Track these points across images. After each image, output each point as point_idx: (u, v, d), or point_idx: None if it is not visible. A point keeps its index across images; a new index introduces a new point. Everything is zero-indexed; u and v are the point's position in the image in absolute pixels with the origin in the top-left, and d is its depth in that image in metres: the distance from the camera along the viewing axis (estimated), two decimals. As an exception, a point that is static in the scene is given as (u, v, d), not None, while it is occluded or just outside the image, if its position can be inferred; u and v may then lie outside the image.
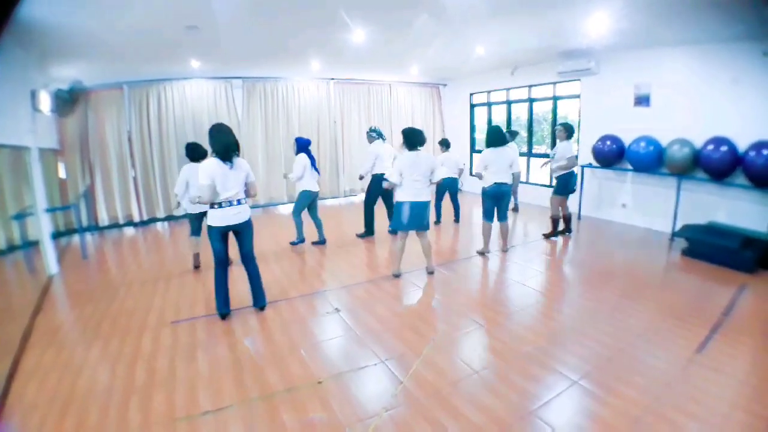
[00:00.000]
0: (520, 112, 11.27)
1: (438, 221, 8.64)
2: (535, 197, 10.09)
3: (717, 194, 6.83)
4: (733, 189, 6.54)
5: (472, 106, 12.46)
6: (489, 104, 11.82)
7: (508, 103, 11.12)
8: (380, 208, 7.63)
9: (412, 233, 5.65)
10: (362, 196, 7.80)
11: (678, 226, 7.07)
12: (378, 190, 7.29)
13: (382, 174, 7.03)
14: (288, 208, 10.25)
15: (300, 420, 2.93)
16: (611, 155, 8.06)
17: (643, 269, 5.96)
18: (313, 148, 8.26)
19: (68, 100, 7.43)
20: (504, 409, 2.99)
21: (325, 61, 9.26)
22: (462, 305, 4.87)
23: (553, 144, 9.64)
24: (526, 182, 10.54)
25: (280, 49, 7.79)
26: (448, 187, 8.47)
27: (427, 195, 5.44)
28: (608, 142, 8.06)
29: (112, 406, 3.14)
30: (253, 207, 6.59)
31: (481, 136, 12.38)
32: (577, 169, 7.29)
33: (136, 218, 9.77)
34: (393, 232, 5.44)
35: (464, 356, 3.77)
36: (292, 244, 7.23)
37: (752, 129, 6.13)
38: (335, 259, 6.64)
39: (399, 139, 5.54)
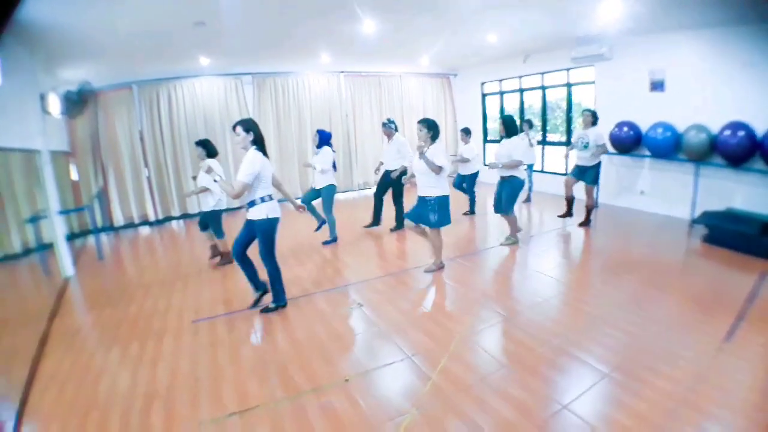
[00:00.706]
0: (532, 101, 11.12)
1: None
2: (550, 185, 9.94)
3: (734, 180, 6.70)
4: (751, 174, 6.42)
5: (484, 96, 12.30)
6: (501, 93, 11.65)
7: (521, 91, 10.94)
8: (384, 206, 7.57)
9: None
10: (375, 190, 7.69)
11: (697, 213, 6.94)
12: (393, 183, 7.24)
13: (394, 169, 7.00)
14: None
15: (329, 420, 2.86)
16: (629, 141, 7.92)
17: (665, 257, 5.84)
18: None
19: (77, 102, 7.39)
20: (536, 403, 2.91)
21: (335, 54, 9.17)
22: (485, 296, 4.80)
23: (568, 131, 9.54)
24: (541, 170, 10.40)
25: (289, 41, 7.72)
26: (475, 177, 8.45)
27: None
28: (625, 129, 7.92)
29: (133, 412, 3.08)
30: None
31: (493, 125, 12.27)
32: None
33: (152, 217, 9.78)
34: (436, 225, 5.27)
35: (491, 349, 3.69)
36: (325, 243, 7.03)
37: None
38: (353, 253, 6.57)
39: (414, 131, 5.41)
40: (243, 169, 4.11)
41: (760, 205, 6.21)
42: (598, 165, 7.03)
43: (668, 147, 7.29)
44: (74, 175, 8.52)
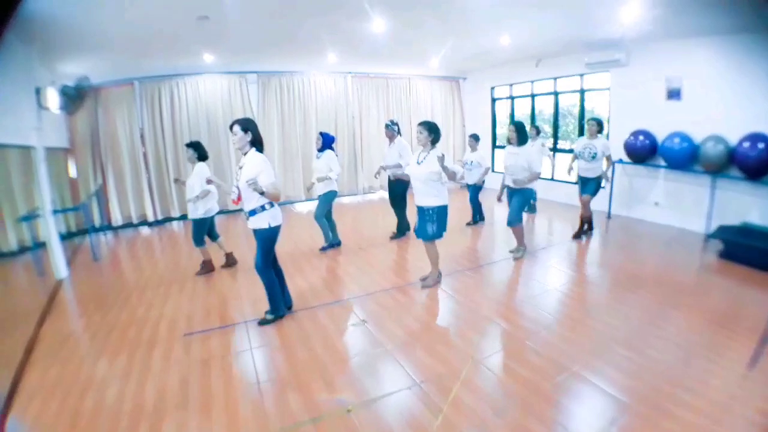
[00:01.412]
0: (542, 106, 10.88)
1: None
2: (558, 194, 9.71)
3: (751, 193, 6.48)
4: (769, 188, 6.23)
5: (494, 100, 12.04)
6: (511, 98, 11.38)
7: (532, 96, 10.66)
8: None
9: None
10: (381, 194, 7.44)
11: (712, 226, 6.76)
12: (404, 189, 7.00)
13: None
14: (304, 207, 10.02)
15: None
16: (644, 151, 7.69)
17: (680, 273, 5.61)
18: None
19: (75, 97, 7.17)
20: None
21: (342, 53, 8.92)
22: (495, 314, 4.51)
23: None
24: (551, 179, 10.14)
25: (296, 39, 7.45)
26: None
27: None
28: (641, 137, 7.69)
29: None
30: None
31: (502, 131, 12.01)
32: (604, 165, 6.89)
33: (151, 218, 9.58)
34: (432, 238, 4.98)
35: (505, 377, 3.41)
36: (323, 250, 6.80)
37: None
38: (355, 262, 6.30)
39: (420, 135, 5.12)
40: (265, 171, 3.89)
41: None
42: (600, 176, 6.82)
43: (685, 158, 7.07)
44: (72, 173, 8.32)
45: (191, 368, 3.64)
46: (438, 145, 4.90)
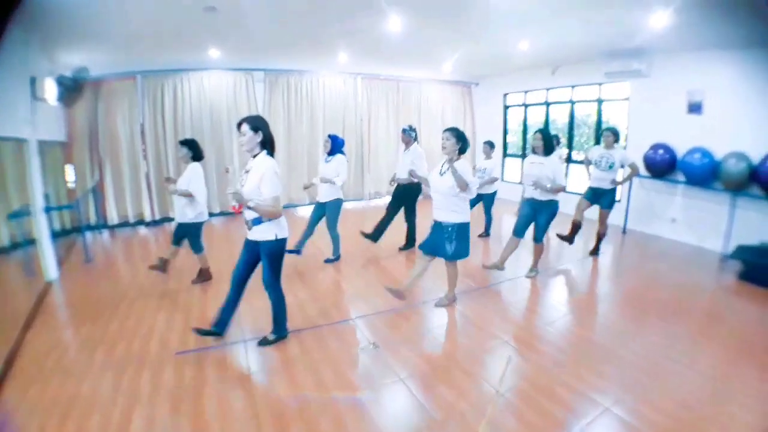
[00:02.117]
0: (556, 115, 10.57)
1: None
2: (571, 207, 9.37)
3: (768, 213, 6.28)
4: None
5: (506, 107, 11.75)
6: (525, 105, 11.10)
7: (547, 104, 10.39)
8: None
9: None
10: (388, 200, 7.10)
11: (730, 246, 6.57)
12: (405, 197, 6.72)
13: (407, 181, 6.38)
14: (306, 211, 9.69)
15: None
16: (663, 165, 7.46)
17: (700, 295, 5.39)
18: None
19: (72, 88, 6.84)
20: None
21: (353, 54, 8.65)
22: (515, 340, 4.17)
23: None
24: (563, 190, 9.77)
25: (309, 37, 7.18)
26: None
27: None
28: (660, 151, 7.46)
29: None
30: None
31: (513, 138, 11.70)
32: (619, 178, 6.61)
33: (148, 217, 9.26)
34: (454, 258, 4.62)
35: (533, 417, 3.02)
36: (328, 261, 6.43)
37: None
38: (363, 275, 5.98)
39: (431, 141, 4.78)
40: (269, 180, 3.43)
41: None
42: (615, 188, 6.54)
43: (705, 174, 6.84)
44: (69, 169, 8.05)
45: (183, 396, 3.27)
46: (465, 156, 4.52)
